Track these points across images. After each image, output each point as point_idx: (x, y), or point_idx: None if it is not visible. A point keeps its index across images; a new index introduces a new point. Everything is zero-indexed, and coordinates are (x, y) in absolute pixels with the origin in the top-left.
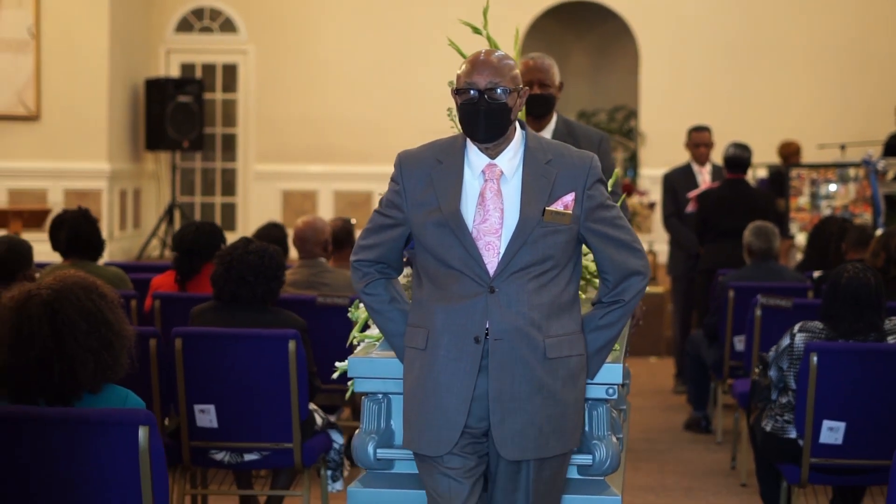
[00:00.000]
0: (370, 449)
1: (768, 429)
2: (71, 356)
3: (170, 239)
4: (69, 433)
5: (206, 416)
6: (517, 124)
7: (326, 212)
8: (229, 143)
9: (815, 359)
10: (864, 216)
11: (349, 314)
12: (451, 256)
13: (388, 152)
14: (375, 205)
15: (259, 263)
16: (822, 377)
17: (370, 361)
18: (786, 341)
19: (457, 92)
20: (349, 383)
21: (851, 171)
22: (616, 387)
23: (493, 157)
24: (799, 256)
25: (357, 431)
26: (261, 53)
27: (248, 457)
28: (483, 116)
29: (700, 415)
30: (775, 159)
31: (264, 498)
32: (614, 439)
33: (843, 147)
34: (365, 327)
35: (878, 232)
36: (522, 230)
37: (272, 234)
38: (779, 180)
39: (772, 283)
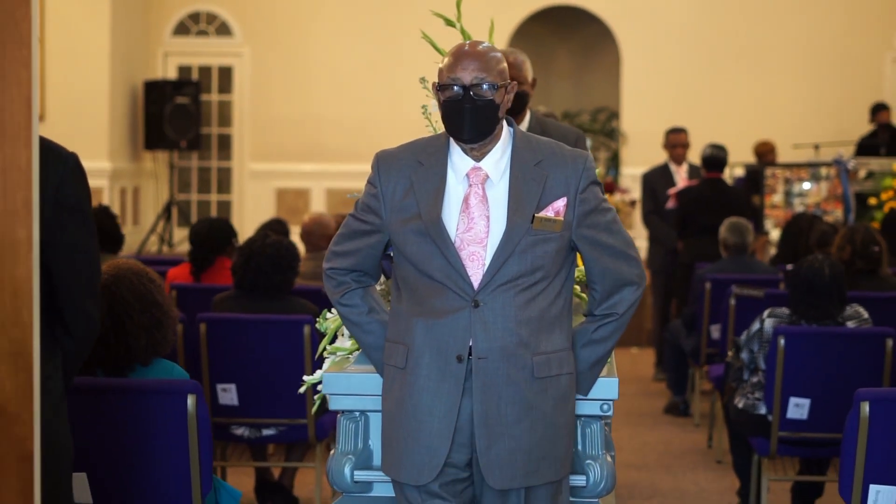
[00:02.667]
0: (347, 471)
1: (740, 406)
2: (126, 333)
3: (168, 235)
4: (127, 400)
5: (228, 394)
6: (504, 121)
7: (318, 210)
8: (225, 143)
9: (782, 341)
10: (836, 213)
11: (317, 325)
12: (433, 267)
13: (378, 150)
14: None
15: (276, 255)
16: (789, 358)
17: (346, 377)
18: (756, 326)
19: (439, 88)
20: (315, 397)
21: (823, 171)
22: (611, 403)
23: (478, 158)
24: (773, 251)
25: (332, 452)
26: (255, 56)
27: (265, 432)
28: (468, 115)
29: (679, 399)
30: (752, 159)
31: (279, 470)
32: (608, 458)
33: (816, 147)
34: (335, 338)
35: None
36: (510, 239)
37: (275, 229)
38: (754, 179)
39: (745, 275)
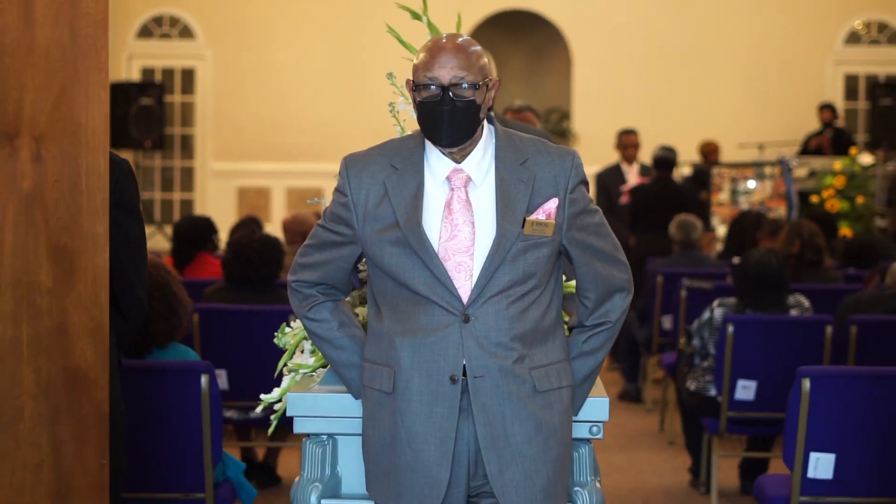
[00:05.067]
0: (313, 499)
1: (692, 389)
2: (146, 318)
3: None
4: (147, 379)
5: (219, 379)
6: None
7: (279, 208)
8: (188, 143)
9: (730, 329)
10: (779, 210)
11: (276, 339)
12: (415, 281)
13: (339, 150)
14: (327, 201)
15: (263, 250)
16: (737, 344)
17: (313, 398)
18: (706, 315)
19: (414, 87)
20: (272, 417)
21: (767, 170)
22: (601, 425)
23: (458, 159)
24: (719, 247)
25: (297, 480)
26: (217, 58)
27: (253, 414)
28: (447, 117)
29: (632, 387)
30: (698, 157)
31: (263, 450)
32: (597, 485)
33: (761, 146)
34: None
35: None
36: (500, 246)
37: (250, 227)
38: (700, 176)
39: (695, 269)
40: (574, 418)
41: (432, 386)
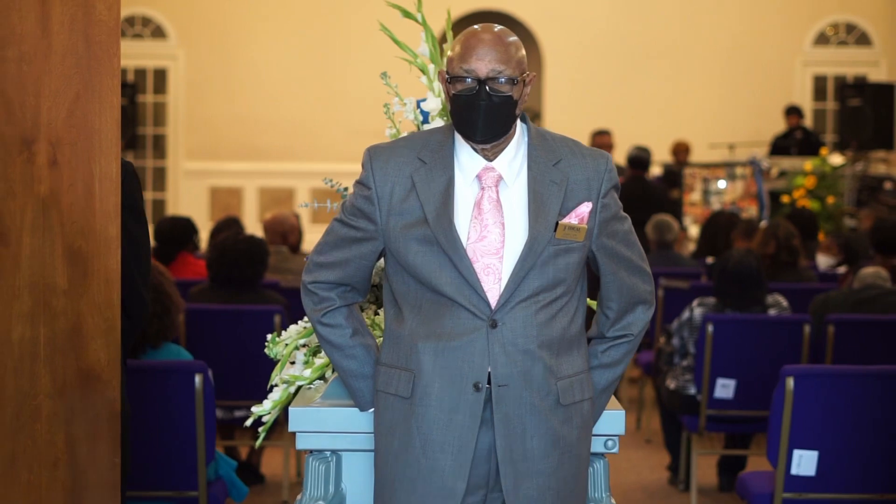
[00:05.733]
0: None
1: (672, 387)
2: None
3: None
4: (143, 379)
5: None
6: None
7: (251, 208)
8: (160, 143)
9: (710, 328)
10: (751, 210)
11: (266, 350)
12: (441, 281)
13: (312, 150)
14: (299, 201)
15: (248, 250)
16: (717, 343)
17: (316, 412)
18: (686, 314)
19: (449, 80)
20: (260, 429)
21: (739, 170)
22: (616, 439)
23: (489, 157)
24: (692, 246)
25: (299, 497)
26: (189, 58)
27: (237, 413)
28: (483, 112)
29: None
30: (669, 157)
31: (247, 449)
32: (612, 501)
33: (731, 146)
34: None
35: (763, 224)
36: (532, 249)
37: (233, 227)
38: (670, 176)
39: (671, 268)
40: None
41: (454, 393)
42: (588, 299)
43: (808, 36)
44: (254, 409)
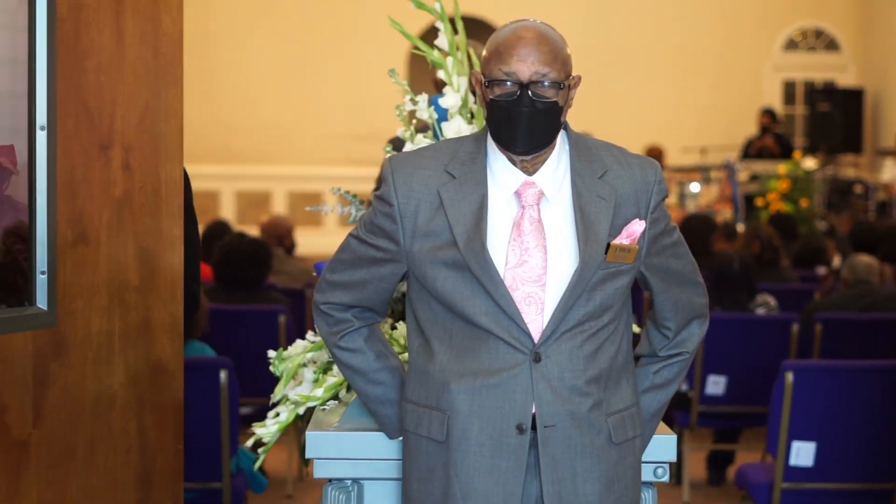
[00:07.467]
0: None
1: None
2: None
3: None
4: None
5: None
6: None
7: (228, 211)
8: None
9: None
10: (725, 213)
11: (271, 367)
12: (475, 310)
13: (287, 153)
14: (276, 205)
15: (252, 252)
16: (708, 341)
17: (336, 438)
18: None
19: (487, 84)
20: (260, 450)
21: (714, 174)
22: (667, 466)
23: (529, 171)
24: None
25: None
26: None
27: (243, 410)
28: (525, 119)
29: None
30: None
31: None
32: None
33: (703, 150)
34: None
35: (739, 226)
36: (582, 277)
37: (219, 229)
38: None
39: None
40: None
41: (495, 436)
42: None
43: (777, 41)
44: (257, 430)
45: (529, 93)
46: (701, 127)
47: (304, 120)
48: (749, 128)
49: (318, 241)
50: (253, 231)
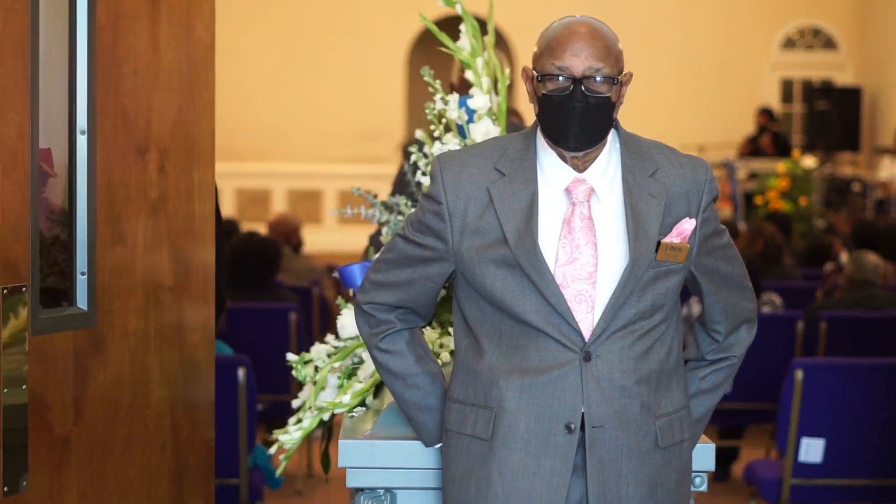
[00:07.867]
0: None
1: None
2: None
3: None
4: None
5: None
6: None
7: (229, 209)
8: None
9: None
10: (724, 211)
11: (294, 372)
12: (525, 308)
13: (287, 151)
14: (277, 203)
15: (261, 250)
16: None
17: (369, 446)
18: (684, 311)
19: (540, 78)
20: (282, 457)
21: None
22: (705, 475)
23: (579, 167)
24: None
25: None
26: None
27: (256, 407)
28: (578, 115)
29: None
30: None
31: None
32: None
33: (701, 148)
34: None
35: (740, 225)
36: (632, 274)
37: (228, 228)
38: None
39: None
40: None
41: (542, 434)
42: None
43: (775, 40)
44: (281, 437)
45: (582, 88)
46: (699, 125)
47: (304, 118)
48: (747, 126)
49: (318, 239)
50: (257, 228)
